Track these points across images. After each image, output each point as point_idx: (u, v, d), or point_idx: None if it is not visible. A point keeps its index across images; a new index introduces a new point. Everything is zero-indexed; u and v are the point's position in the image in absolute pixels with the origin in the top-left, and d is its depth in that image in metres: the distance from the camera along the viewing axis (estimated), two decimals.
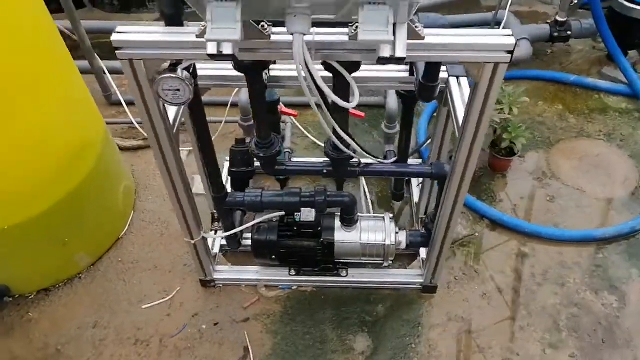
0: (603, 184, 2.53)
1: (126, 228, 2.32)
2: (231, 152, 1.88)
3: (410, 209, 2.39)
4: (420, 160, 2.56)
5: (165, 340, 1.96)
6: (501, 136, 2.41)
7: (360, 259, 1.98)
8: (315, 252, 1.97)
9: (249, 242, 2.03)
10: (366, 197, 2.42)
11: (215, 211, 2.15)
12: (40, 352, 1.93)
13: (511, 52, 1.23)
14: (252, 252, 2.00)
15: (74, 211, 2.00)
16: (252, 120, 1.77)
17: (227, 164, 2.30)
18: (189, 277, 2.14)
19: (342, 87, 1.37)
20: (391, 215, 1.97)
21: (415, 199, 2.33)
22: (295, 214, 1.92)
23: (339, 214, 1.94)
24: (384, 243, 1.92)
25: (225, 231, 1.96)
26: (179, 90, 1.31)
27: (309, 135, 2.64)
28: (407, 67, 1.68)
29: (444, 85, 1.68)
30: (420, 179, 2.29)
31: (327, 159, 1.70)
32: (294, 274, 2.08)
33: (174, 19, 1.28)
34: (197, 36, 1.16)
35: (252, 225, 1.95)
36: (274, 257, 1.99)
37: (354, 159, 1.69)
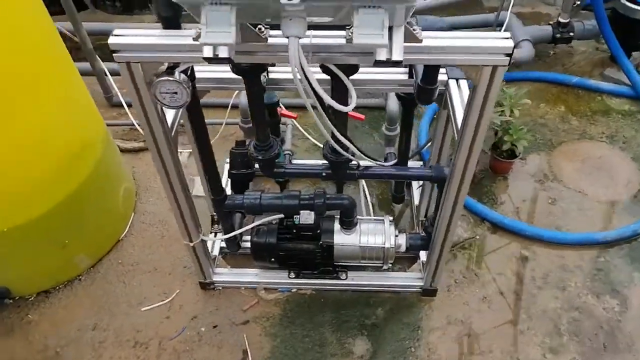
0: (605, 186, 2.51)
1: (126, 230, 2.32)
2: (231, 154, 1.89)
3: (411, 211, 2.38)
4: (421, 163, 2.55)
5: (164, 342, 1.96)
6: (502, 138, 2.40)
7: (360, 262, 1.97)
8: (315, 255, 1.96)
9: (248, 244, 2.03)
10: (367, 199, 2.42)
11: (215, 213, 2.15)
12: (39, 354, 1.93)
13: (510, 55, 1.23)
14: (252, 255, 2.00)
15: (74, 213, 2.00)
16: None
17: (227, 166, 2.30)
18: (188, 279, 2.14)
19: (340, 90, 1.36)
20: (391, 218, 1.97)
21: (416, 201, 2.32)
22: (295, 216, 1.92)
23: (339, 216, 1.93)
24: (383, 246, 1.91)
25: (225, 233, 1.96)
26: (176, 93, 1.31)
27: (310, 137, 2.63)
28: (407, 70, 1.67)
29: (444, 88, 1.68)
30: (421, 181, 2.28)
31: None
32: (293, 276, 2.07)
33: (171, 22, 1.28)
34: (194, 39, 1.16)
35: (252, 228, 1.94)
36: (273, 259, 1.99)
37: (353, 162, 1.68)
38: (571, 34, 3.09)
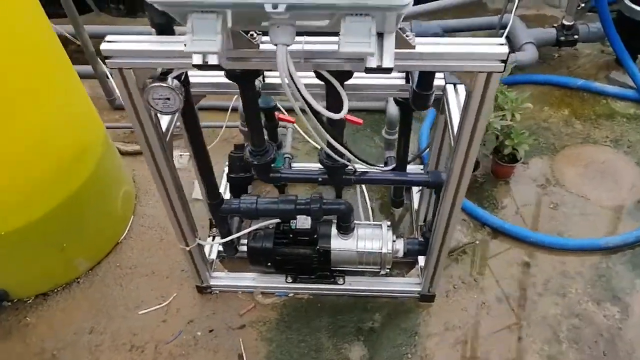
0: (609, 191, 2.48)
1: (125, 233, 2.32)
2: (230, 158, 1.88)
3: (410, 216, 2.37)
4: (420, 167, 2.53)
5: (160, 346, 1.96)
6: (503, 142, 2.37)
7: (357, 267, 1.96)
8: (312, 260, 1.95)
9: (245, 248, 2.02)
10: (366, 203, 2.40)
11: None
12: (36, 357, 1.94)
13: (504, 61, 1.21)
14: (248, 259, 1.99)
15: (72, 216, 2.01)
16: None
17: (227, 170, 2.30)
18: (186, 283, 2.14)
19: (333, 96, 1.35)
20: (388, 223, 1.95)
21: (415, 205, 2.31)
22: (291, 221, 1.91)
23: (336, 221, 1.92)
24: (380, 251, 1.89)
25: (222, 237, 1.95)
26: (169, 99, 1.31)
27: (310, 140, 2.62)
28: (403, 75, 1.66)
29: (441, 93, 1.66)
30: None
31: None
32: (290, 281, 2.06)
33: (164, 28, 1.28)
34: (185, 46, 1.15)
35: (248, 232, 1.94)
36: (269, 264, 1.98)
37: (349, 167, 1.67)
38: (576, 36, 3.06)
